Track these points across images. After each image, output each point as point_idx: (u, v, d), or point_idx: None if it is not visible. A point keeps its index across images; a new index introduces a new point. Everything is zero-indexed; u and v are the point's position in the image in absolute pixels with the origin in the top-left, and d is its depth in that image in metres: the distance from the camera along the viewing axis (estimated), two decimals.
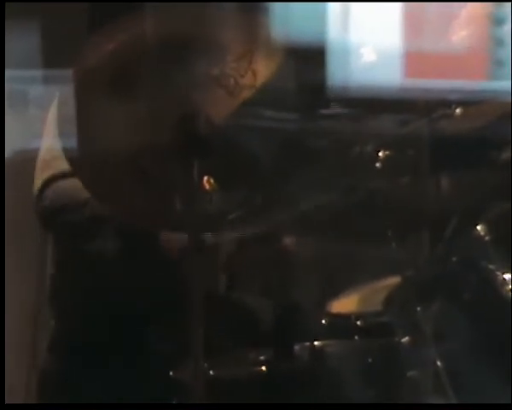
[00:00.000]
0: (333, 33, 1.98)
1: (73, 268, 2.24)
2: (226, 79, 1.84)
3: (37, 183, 2.18)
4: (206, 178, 1.84)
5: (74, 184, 2.02)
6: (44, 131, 2.08)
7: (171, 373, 1.96)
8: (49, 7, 2.36)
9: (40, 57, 2.21)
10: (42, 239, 2.47)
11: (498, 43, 1.88)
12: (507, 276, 1.98)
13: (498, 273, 1.98)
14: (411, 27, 1.94)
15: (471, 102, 2.03)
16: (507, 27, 1.88)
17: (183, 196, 1.79)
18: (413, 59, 1.94)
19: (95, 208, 2.06)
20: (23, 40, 2.19)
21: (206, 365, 1.88)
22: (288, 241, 2.17)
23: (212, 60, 1.84)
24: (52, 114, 2.01)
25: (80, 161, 1.93)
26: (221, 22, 1.90)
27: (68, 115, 1.87)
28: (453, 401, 1.98)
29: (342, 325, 2.10)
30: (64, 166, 2.02)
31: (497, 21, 1.89)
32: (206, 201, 1.83)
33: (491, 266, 1.97)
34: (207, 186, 1.83)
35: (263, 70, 1.86)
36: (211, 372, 1.93)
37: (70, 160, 1.91)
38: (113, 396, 2.11)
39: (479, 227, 2.02)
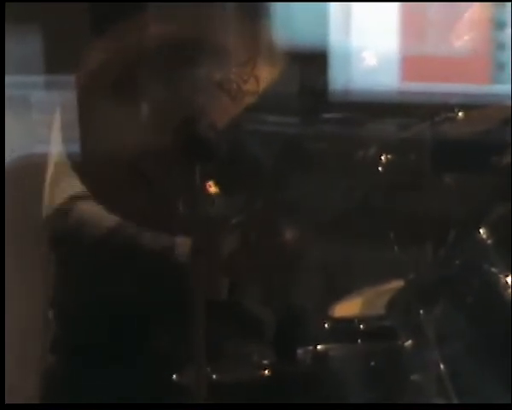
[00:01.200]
0: (334, 37, 2.07)
1: (76, 271, 2.28)
2: (229, 84, 1.88)
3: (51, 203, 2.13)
4: (208, 182, 1.87)
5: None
6: (51, 138, 2.11)
7: (173, 377, 1.96)
8: (51, 11, 2.41)
9: (42, 62, 2.24)
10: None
11: (500, 46, 1.95)
12: (509, 279, 1.98)
13: (501, 276, 1.97)
14: (413, 31, 2.01)
15: (473, 106, 2.05)
16: (508, 31, 1.95)
17: (186, 200, 1.81)
18: (415, 63, 2.02)
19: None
20: (24, 45, 2.22)
21: (208, 368, 1.89)
22: (291, 244, 2.13)
23: (216, 65, 1.87)
24: (57, 121, 2.03)
25: (84, 166, 1.94)
26: (224, 27, 1.93)
27: (72, 121, 1.89)
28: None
29: (345, 329, 2.07)
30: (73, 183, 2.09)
31: (499, 25, 1.97)
32: (208, 205, 1.86)
33: (493, 270, 1.96)
34: (210, 190, 1.87)
35: (265, 76, 1.90)
36: (214, 376, 1.92)
37: (74, 165, 1.93)
38: (115, 399, 2.15)
39: (481, 230, 2.01)
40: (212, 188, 1.88)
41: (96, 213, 2.06)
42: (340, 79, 2.07)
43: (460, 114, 2.03)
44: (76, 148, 1.99)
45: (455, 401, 1.93)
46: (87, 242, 2.12)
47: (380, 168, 2.07)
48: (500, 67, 2.00)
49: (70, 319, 2.24)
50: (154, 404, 2.22)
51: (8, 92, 2.09)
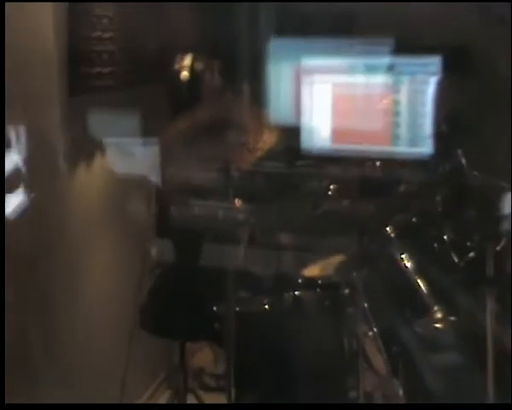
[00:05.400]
0: (305, 117, 2.57)
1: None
2: (249, 144, 2.45)
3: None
4: (236, 200, 2.50)
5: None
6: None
7: (214, 308, 2.55)
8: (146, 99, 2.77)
9: (140, 129, 2.62)
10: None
11: (396, 125, 2.49)
12: (403, 256, 2.61)
13: (398, 255, 2.61)
14: (343, 113, 2.53)
15: (381, 159, 2.64)
16: (401, 117, 2.45)
17: (223, 210, 2.47)
18: (345, 133, 2.56)
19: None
20: (128, 119, 2.60)
21: (235, 304, 2.45)
22: (283, 236, 2.76)
23: (240, 133, 2.48)
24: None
25: (164, 189, 2.54)
26: (244, 112, 2.61)
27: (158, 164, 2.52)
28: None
29: (311, 282, 2.64)
30: None
31: (396, 113, 2.48)
32: (236, 212, 2.49)
33: (393, 251, 2.61)
34: (238, 204, 2.50)
35: (268, 140, 2.51)
36: (237, 309, 2.50)
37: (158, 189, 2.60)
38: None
39: (387, 228, 2.64)
40: (239, 203, 2.50)
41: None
42: (308, 142, 2.57)
43: (377, 163, 2.66)
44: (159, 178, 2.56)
45: (372, 324, 2.53)
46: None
47: (329, 193, 2.72)
48: (396, 136, 2.49)
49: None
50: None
51: (121, 148, 2.62)
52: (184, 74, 2.61)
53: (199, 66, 2.61)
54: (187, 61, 2.63)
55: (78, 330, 2.59)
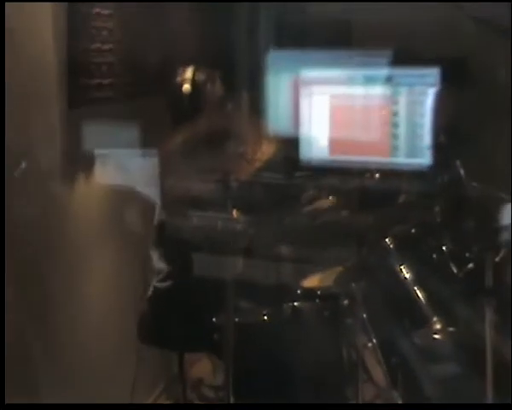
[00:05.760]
0: (304, 127, 2.54)
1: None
2: (247, 154, 2.42)
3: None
4: (235, 210, 2.45)
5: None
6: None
7: (213, 319, 2.52)
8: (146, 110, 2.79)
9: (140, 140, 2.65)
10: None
11: (395, 136, 2.44)
12: (402, 267, 2.62)
13: (397, 266, 2.62)
14: (341, 124, 2.51)
15: (380, 170, 2.67)
16: (399, 129, 2.40)
17: (222, 221, 2.44)
18: (347, 144, 2.54)
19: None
20: (128, 130, 2.63)
21: (234, 315, 2.39)
22: (282, 247, 2.79)
23: (239, 143, 2.45)
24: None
25: (163, 201, 2.59)
26: (243, 124, 2.58)
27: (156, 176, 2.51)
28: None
29: (310, 293, 2.64)
30: None
31: (395, 124, 2.43)
32: (234, 223, 2.47)
33: (392, 262, 2.62)
34: (236, 215, 2.48)
35: (267, 150, 2.48)
36: (236, 319, 2.44)
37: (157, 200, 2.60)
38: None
39: (386, 239, 2.64)
40: (237, 214, 2.48)
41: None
42: (306, 153, 2.53)
43: (375, 174, 2.69)
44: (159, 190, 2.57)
45: (372, 334, 2.54)
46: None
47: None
48: (394, 148, 2.43)
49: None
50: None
51: (120, 159, 2.60)
52: (186, 87, 2.60)
53: (201, 78, 2.61)
54: (189, 73, 2.61)
55: (78, 330, 2.60)
